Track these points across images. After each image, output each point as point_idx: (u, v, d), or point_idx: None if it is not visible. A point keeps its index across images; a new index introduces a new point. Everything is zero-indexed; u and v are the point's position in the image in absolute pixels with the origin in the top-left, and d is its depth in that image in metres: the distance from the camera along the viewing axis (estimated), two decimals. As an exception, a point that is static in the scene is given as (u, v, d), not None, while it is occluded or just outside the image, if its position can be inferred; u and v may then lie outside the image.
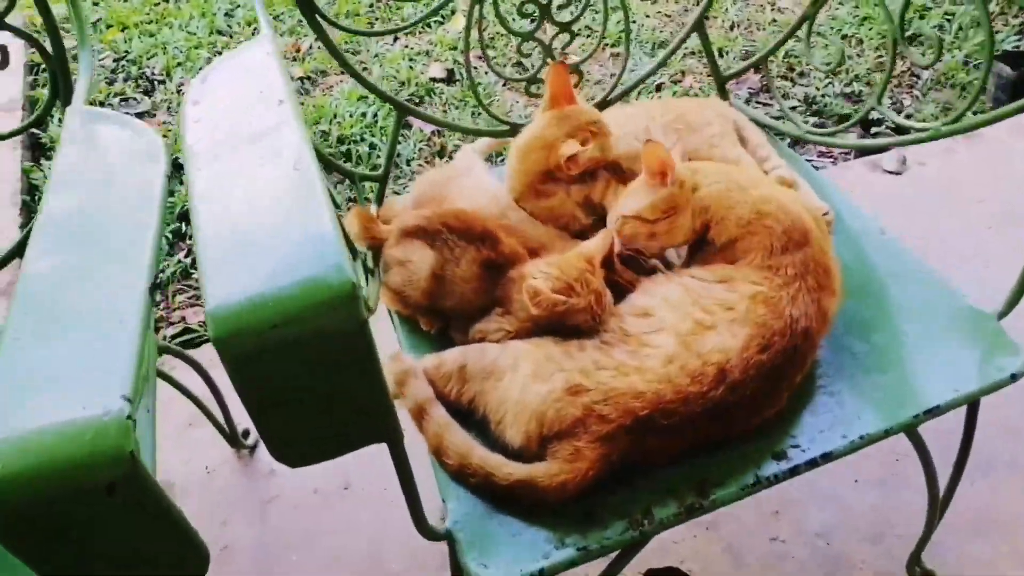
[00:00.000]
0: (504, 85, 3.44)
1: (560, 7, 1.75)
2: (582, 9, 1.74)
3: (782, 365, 1.28)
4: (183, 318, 2.67)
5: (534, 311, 1.32)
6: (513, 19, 2.32)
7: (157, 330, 2.63)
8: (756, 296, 1.31)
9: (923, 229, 2.50)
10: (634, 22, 3.74)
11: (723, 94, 1.99)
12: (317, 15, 1.56)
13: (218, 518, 2.03)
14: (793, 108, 3.21)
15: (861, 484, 1.99)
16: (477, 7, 1.67)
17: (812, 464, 1.30)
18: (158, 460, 2.20)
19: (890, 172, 2.90)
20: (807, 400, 1.38)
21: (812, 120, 3.22)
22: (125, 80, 3.63)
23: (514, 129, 1.74)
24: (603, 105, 1.87)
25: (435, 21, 3.81)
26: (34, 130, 3.28)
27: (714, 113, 1.76)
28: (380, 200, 1.77)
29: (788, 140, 2.09)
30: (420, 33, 3.83)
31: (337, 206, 1.22)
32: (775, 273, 1.34)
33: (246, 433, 2.17)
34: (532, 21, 1.75)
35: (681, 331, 1.28)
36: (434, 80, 3.58)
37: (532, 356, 1.31)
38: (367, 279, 1.41)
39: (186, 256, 2.86)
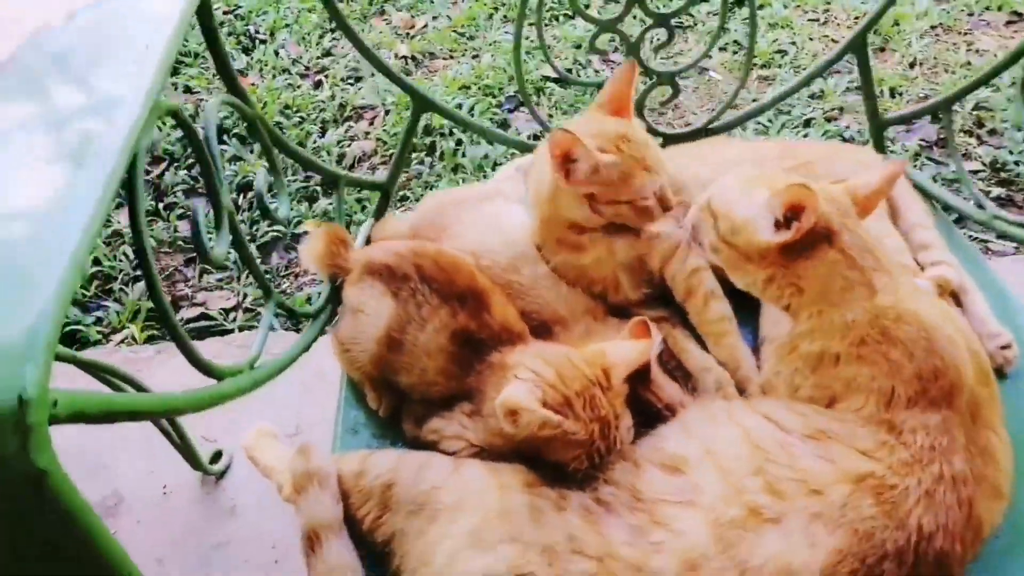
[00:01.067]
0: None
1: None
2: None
3: (886, 610, 0.77)
4: (205, 301, 2.38)
5: (509, 429, 0.87)
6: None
7: (177, 308, 2.36)
8: (864, 479, 0.80)
9: None
10: (792, 43, 3.15)
11: (879, 143, 1.45)
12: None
13: (155, 553, 1.71)
14: (975, 173, 2.53)
15: None
16: None
17: None
18: (116, 466, 1.95)
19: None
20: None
21: (997, 192, 2.50)
22: (228, 35, 3.44)
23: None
24: (703, 133, 1.38)
25: (564, 13, 3.38)
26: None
27: (854, 166, 1.23)
28: (379, 215, 1.37)
29: (955, 216, 1.50)
30: (545, 24, 3.42)
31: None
32: (897, 438, 0.82)
33: (216, 457, 1.83)
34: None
35: (722, 516, 0.79)
36: (546, 78, 3.15)
37: (484, 504, 0.86)
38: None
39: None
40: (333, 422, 1.09)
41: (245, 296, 2.34)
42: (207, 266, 2.45)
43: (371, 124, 3.02)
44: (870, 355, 0.87)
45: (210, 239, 0.82)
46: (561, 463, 0.88)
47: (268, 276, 2.38)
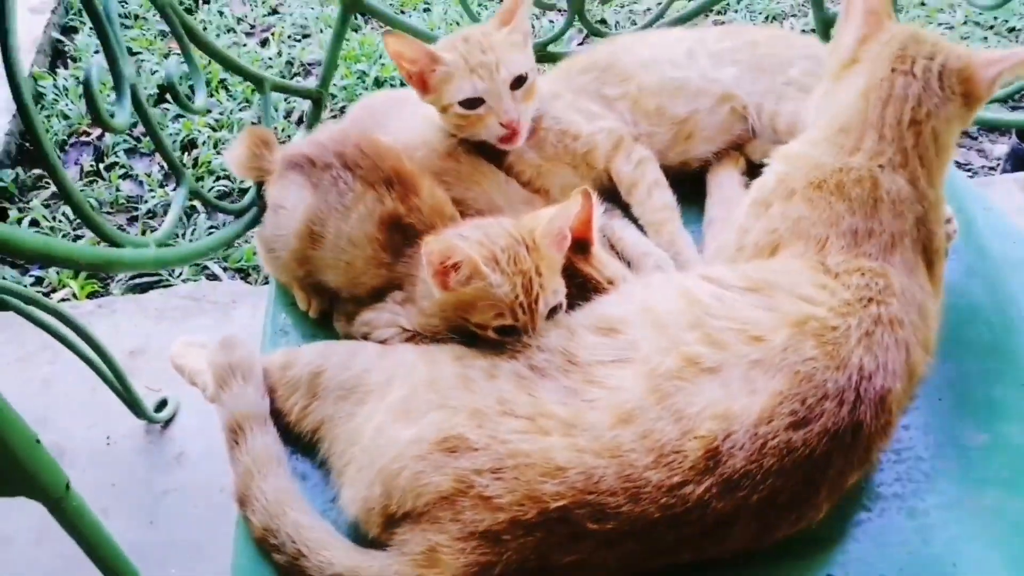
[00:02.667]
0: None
1: None
2: None
3: (828, 455, 0.74)
4: (150, 258, 2.30)
5: (437, 292, 0.83)
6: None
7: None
8: (805, 322, 0.77)
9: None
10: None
11: (825, 35, 1.42)
12: None
13: (99, 504, 1.63)
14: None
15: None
16: None
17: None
18: (58, 419, 1.88)
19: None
20: (864, 518, 0.83)
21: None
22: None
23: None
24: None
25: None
26: (60, 37, 3.01)
27: (802, 54, 1.19)
28: (312, 124, 1.31)
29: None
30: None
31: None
32: (836, 280, 0.80)
33: (161, 405, 1.77)
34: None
35: (659, 368, 0.76)
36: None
37: (412, 378, 0.82)
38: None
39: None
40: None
41: (192, 251, 2.27)
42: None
43: (298, 125, 2.94)
44: (818, 200, 0.85)
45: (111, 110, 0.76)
46: (486, 327, 0.84)
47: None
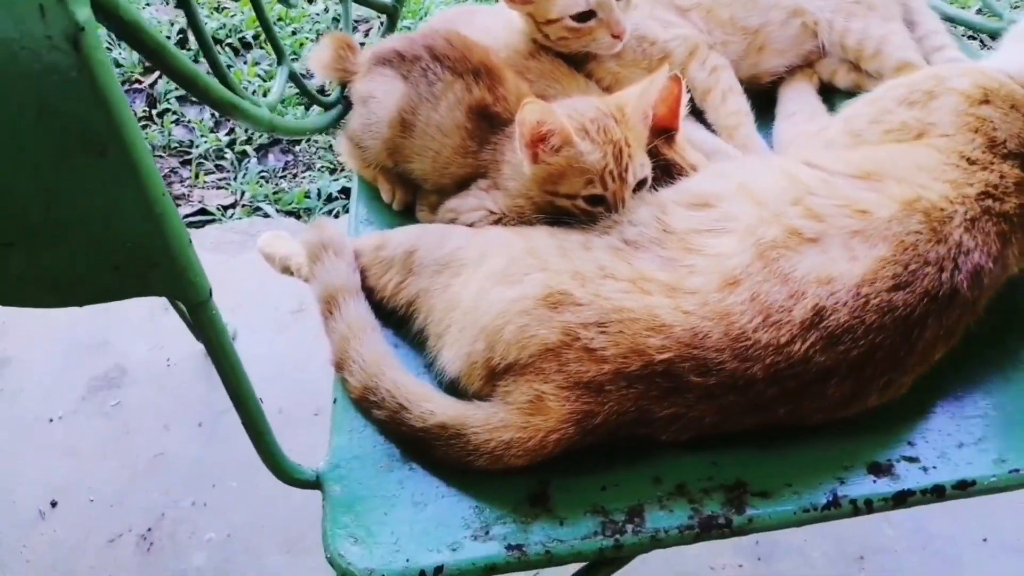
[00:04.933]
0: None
1: None
2: None
3: (925, 316, 0.76)
4: (202, 198, 2.35)
5: (519, 147, 0.86)
6: None
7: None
8: (915, 202, 0.79)
9: None
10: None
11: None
12: None
13: (161, 420, 1.69)
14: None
15: (992, 545, 1.38)
16: None
17: (935, 494, 0.78)
18: (119, 342, 1.93)
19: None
20: (946, 391, 0.84)
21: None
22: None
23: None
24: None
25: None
26: None
27: None
28: (389, 33, 1.33)
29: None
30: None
31: None
32: (970, 172, 0.82)
33: (220, 331, 1.81)
34: None
35: (762, 236, 0.78)
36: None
37: (509, 248, 0.84)
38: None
39: (227, 134, 2.53)
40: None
41: (243, 193, 2.31)
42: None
43: (366, 36, 2.96)
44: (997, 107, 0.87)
45: None
46: (576, 196, 0.86)
47: (264, 175, 2.35)
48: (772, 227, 0.78)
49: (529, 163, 0.87)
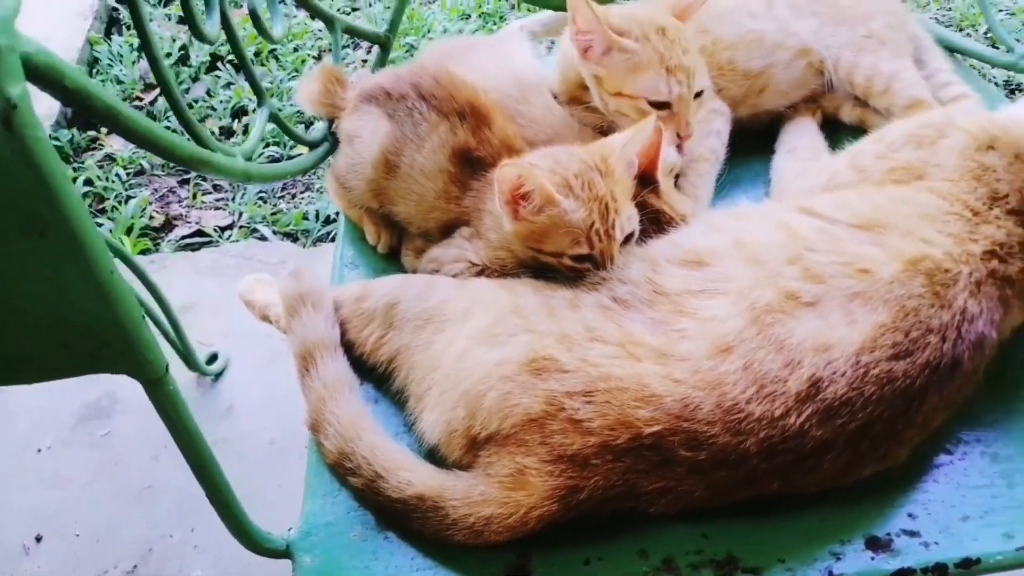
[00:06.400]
0: None
1: None
2: None
3: (925, 388, 0.72)
4: (200, 219, 2.32)
5: (508, 225, 0.82)
6: None
7: (172, 227, 2.31)
8: (918, 262, 0.74)
9: None
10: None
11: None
12: None
13: (149, 450, 1.66)
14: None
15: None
16: None
17: (937, 572, 0.74)
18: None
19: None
20: (946, 460, 0.80)
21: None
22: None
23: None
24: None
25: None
26: (115, 5, 3.04)
27: (884, 8, 1.16)
28: (380, 66, 1.30)
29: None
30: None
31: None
32: (974, 225, 0.78)
33: (212, 359, 1.78)
34: None
35: (757, 300, 0.73)
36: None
37: (495, 305, 0.80)
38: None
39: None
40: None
41: (240, 215, 2.28)
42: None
43: (368, 52, 2.94)
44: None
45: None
46: (561, 255, 0.82)
47: (262, 196, 2.32)
48: (767, 290, 0.74)
49: (510, 220, 0.83)
